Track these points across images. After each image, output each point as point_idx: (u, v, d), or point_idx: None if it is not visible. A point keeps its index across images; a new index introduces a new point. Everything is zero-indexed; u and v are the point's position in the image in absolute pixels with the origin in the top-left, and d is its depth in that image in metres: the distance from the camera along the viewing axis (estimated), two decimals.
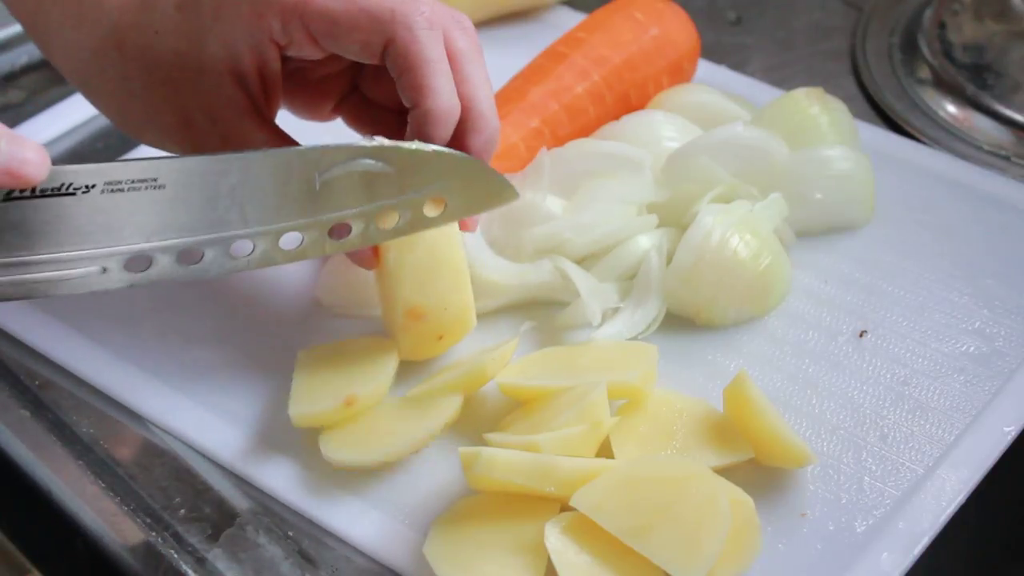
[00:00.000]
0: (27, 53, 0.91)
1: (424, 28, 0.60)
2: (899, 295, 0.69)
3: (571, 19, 0.89)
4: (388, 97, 0.67)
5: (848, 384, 0.64)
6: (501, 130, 0.73)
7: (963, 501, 0.58)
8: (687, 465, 0.56)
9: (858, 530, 0.57)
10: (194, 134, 0.62)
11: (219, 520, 0.60)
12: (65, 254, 0.53)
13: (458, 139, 0.61)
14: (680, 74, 0.80)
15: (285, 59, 0.62)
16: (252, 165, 0.56)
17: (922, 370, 0.65)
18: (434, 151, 0.58)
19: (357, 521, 0.59)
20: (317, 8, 0.60)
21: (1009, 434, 0.61)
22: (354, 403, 0.60)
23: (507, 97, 0.75)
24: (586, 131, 0.75)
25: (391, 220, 0.59)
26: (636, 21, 0.78)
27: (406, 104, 0.61)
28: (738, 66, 0.87)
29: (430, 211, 0.59)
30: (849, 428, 0.62)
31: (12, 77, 0.90)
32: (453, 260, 0.62)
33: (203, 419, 0.64)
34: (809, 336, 0.67)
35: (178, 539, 0.59)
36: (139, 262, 0.55)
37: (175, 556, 0.58)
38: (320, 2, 0.60)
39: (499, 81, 0.77)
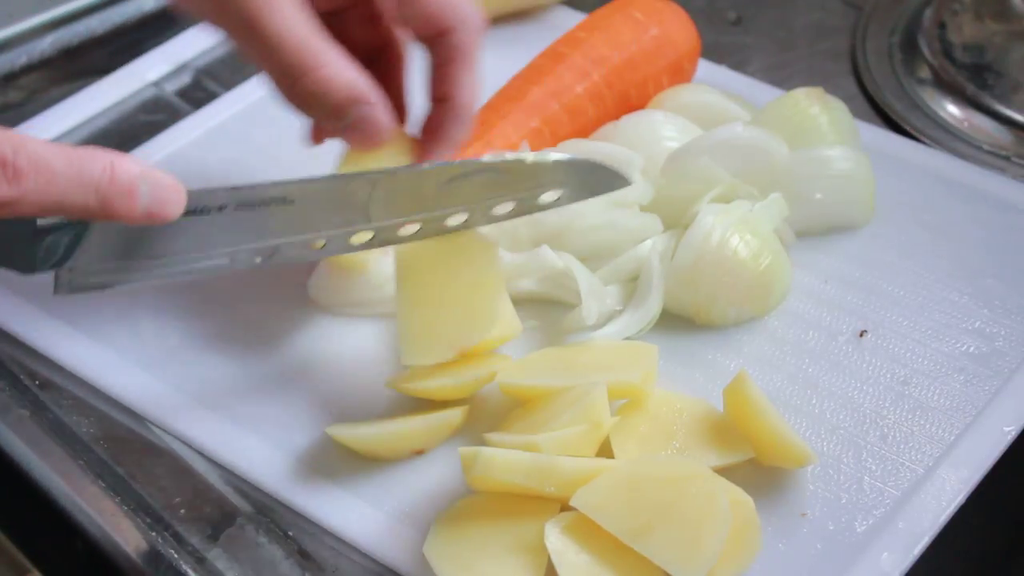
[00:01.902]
0: (27, 53, 0.91)
1: (480, 32, 0.63)
2: (899, 295, 0.69)
3: (571, 19, 0.89)
4: (366, 39, 0.67)
5: (848, 384, 0.64)
6: (502, 130, 0.73)
7: (963, 501, 0.58)
8: (687, 465, 0.56)
9: (858, 530, 0.57)
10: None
11: (219, 520, 0.60)
12: (198, 255, 0.58)
13: (438, 126, 0.64)
14: (680, 74, 0.80)
15: None
16: (379, 183, 0.59)
17: (922, 370, 0.65)
18: (554, 161, 0.61)
19: (357, 521, 0.59)
20: None
21: (1009, 434, 0.61)
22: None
23: (507, 97, 0.75)
24: (586, 131, 0.75)
25: (504, 208, 0.61)
26: (636, 21, 0.78)
27: (437, 93, 0.63)
28: (738, 66, 0.87)
29: (545, 198, 0.62)
30: (849, 428, 0.62)
31: (12, 77, 0.90)
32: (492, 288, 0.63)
33: (203, 418, 0.64)
34: (809, 336, 0.67)
35: (178, 539, 0.59)
36: (266, 252, 0.59)
37: (175, 556, 0.58)
38: None
39: (499, 81, 0.77)
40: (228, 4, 0.59)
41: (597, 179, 0.62)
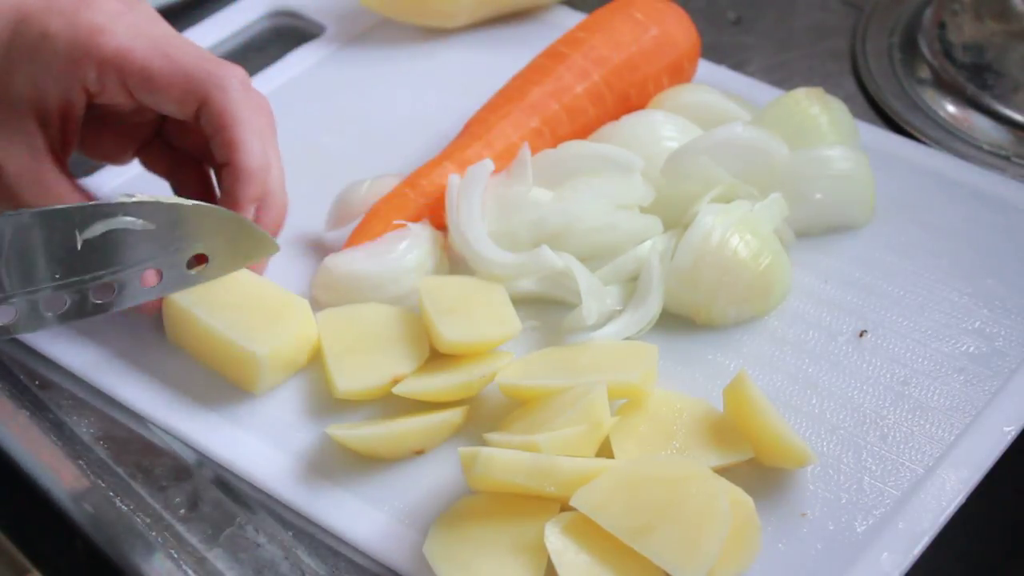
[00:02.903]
0: None
1: (238, 90, 0.63)
2: (899, 295, 0.69)
3: (571, 19, 0.89)
4: (193, 146, 0.70)
5: (848, 384, 0.64)
6: (502, 130, 0.73)
7: (963, 501, 0.58)
8: (687, 465, 0.56)
9: (858, 530, 0.57)
10: None
11: (219, 520, 0.60)
12: None
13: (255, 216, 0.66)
14: (680, 74, 0.80)
15: (90, 105, 0.64)
16: (18, 225, 0.57)
17: (922, 370, 0.65)
18: (193, 205, 0.60)
19: (357, 521, 0.59)
20: (135, 63, 0.62)
21: (1009, 434, 0.61)
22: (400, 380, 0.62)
23: (507, 97, 0.75)
24: (586, 131, 0.76)
25: (151, 278, 0.62)
26: (636, 21, 0.78)
27: (219, 160, 0.64)
28: (738, 66, 0.87)
29: (193, 268, 0.62)
30: (849, 428, 0.62)
31: None
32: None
33: (202, 418, 0.64)
34: (809, 336, 0.67)
35: (178, 539, 0.59)
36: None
37: (175, 556, 0.58)
38: (139, 57, 0.62)
39: (499, 81, 0.77)
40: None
41: (244, 238, 0.63)
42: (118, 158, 0.72)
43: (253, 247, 0.64)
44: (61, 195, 0.63)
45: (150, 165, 0.72)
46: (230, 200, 0.64)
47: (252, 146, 0.63)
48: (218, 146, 0.64)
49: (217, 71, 0.63)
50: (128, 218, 0.59)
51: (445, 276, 0.68)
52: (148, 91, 0.63)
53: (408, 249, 0.68)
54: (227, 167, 0.64)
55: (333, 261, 0.68)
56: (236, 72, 0.64)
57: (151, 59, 0.62)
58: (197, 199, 0.65)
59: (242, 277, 0.65)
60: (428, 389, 0.61)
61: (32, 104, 0.62)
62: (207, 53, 0.65)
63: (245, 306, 0.64)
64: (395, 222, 0.69)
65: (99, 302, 0.60)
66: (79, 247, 0.58)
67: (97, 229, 0.58)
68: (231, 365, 0.64)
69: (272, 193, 0.66)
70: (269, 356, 0.62)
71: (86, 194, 0.64)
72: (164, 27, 0.65)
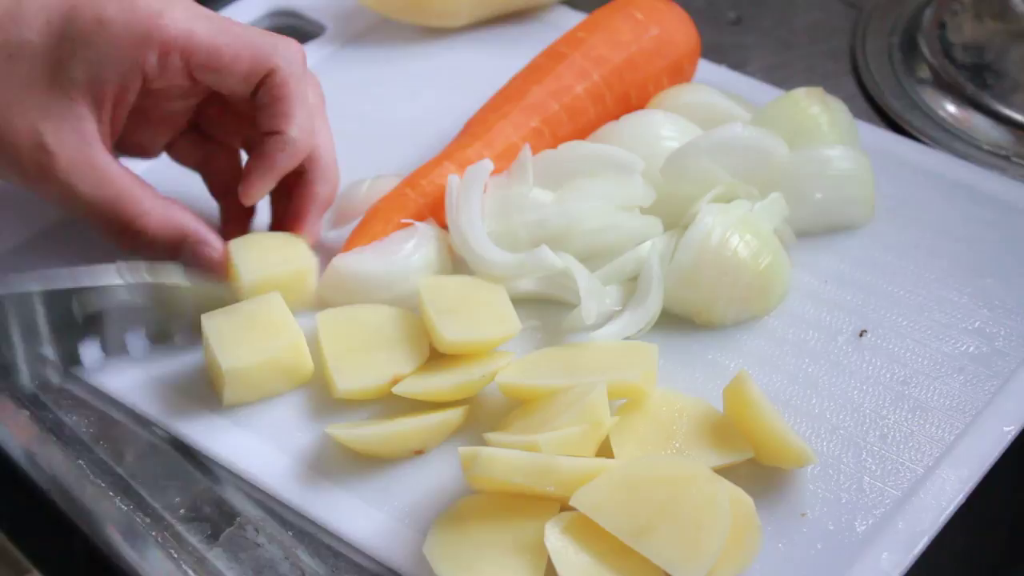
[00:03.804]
0: None
1: (301, 64, 0.65)
2: (899, 295, 0.69)
3: (571, 19, 0.89)
4: (229, 133, 0.71)
5: (848, 384, 0.64)
6: (502, 130, 0.73)
7: (963, 501, 0.58)
8: (687, 465, 0.56)
9: (858, 530, 0.57)
10: (35, 156, 0.62)
11: (219, 520, 0.60)
12: None
13: (306, 187, 0.68)
14: (680, 74, 0.80)
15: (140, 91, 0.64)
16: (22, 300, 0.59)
17: (922, 370, 0.65)
18: (191, 287, 0.63)
19: (357, 521, 0.59)
20: (201, 41, 0.63)
21: (1009, 434, 0.61)
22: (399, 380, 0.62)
23: (507, 97, 0.75)
24: (586, 131, 0.75)
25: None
26: (636, 21, 0.78)
27: (266, 129, 0.65)
28: (738, 66, 0.87)
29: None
30: (849, 428, 0.62)
31: None
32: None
33: (202, 418, 0.64)
34: (809, 336, 0.67)
35: (178, 539, 0.59)
36: None
37: (175, 556, 0.58)
38: (204, 36, 0.63)
39: (499, 81, 0.77)
40: (46, 178, 0.63)
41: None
42: (149, 150, 0.72)
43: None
44: (114, 182, 0.63)
45: (181, 158, 0.73)
46: (267, 164, 0.66)
47: (304, 120, 0.65)
48: (271, 116, 0.65)
49: (283, 43, 0.65)
50: (126, 296, 0.61)
51: (445, 276, 0.68)
52: (214, 69, 0.64)
53: (415, 248, 0.68)
54: (276, 136, 0.65)
55: (341, 261, 0.68)
56: (298, 47, 0.66)
57: (216, 36, 0.63)
58: (226, 189, 0.67)
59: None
60: (428, 389, 0.61)
61: (87, 91, 0.62)
62: (263, 30, 0.66)
63: (246, 319, 0.64)
64: (403, 220, 0.69)
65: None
66: (80, 320, 0.61)
67: (94, 305, 0.60)
68: (212, 370, 0.64)
69: (325, 166, 0.68)
70: (232, 372, 0.62)
71: (138, 180, 0.65)
72: (211, 11, 0.66)
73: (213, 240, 0.66)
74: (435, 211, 0.70)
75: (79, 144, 0.62)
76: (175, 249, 0.65)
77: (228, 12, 0.93)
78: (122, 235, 0.64)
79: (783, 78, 0.86)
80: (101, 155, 0.63)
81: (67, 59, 0.62)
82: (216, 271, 0.66)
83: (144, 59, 0.62)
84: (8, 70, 0.61)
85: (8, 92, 0.62)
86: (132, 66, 0.62)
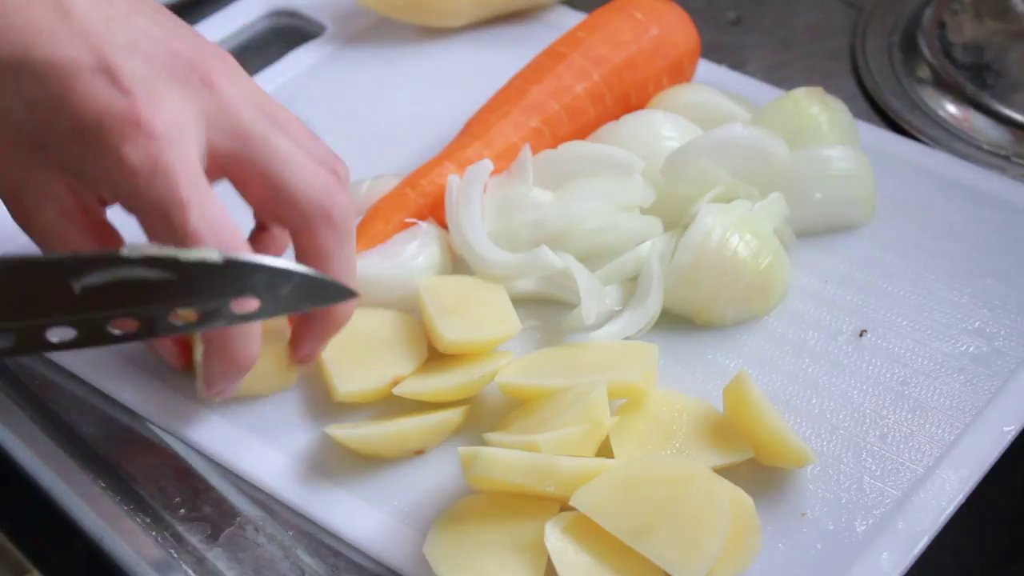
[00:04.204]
0: None
1: (344, 219, 0.59)
2: (899, 295, 0.69)
3: (571, 19, 0.89)
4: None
5: (848, 384, 0.64)
6: (502, 129, 0.73)
7: (963, 501, 0.58)
8: (687, 465, 0.56)
9: (858, 530, 0.57)
10: (11, 209, 0.58)
11: (219, 520, 0.60)
12: None
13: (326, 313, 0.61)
14: (680, 74, 0.80)
15: None
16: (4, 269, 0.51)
17: (922, 370, 0.65)
18: (226, 260, 0.51)
19: (357, 521, 0.59)
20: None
21: (1009, 434, 0.61)
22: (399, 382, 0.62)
23: (507, 97, 0.75)
24: (586, 131, 0.75)
25: (186, 316, 0.53)
26: (636, 21, 0.78)
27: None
28: (738, 66, 0.87)
29: (240, 308, 0.53)
30: (849, 428, 0.62)
31: None
32: None
33: (202, 418, 0.64)
34: (809, 336, 0.67)
35: (178, 539, 0.59)
36: None
37: (175, 556, 0.58)
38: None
39: (499, 81, 0.77)
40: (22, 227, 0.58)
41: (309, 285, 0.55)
42: None
43: (317, 295, 0.56)
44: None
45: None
46: (331, 324, 0.61)
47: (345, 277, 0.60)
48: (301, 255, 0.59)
49: (322, 198, 0.58)
50: (130, 268, 0.51)
51: (445, 276, 0.68)
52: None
53: (420, 249, 0.68)
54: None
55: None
56: (346, 200, 0.59)
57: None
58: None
59: None
60: (428, 389, 0.61)
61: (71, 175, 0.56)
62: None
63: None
64: (406, 220, 0.69)
65: (118, 333, 0.54)
66: (78, 292, 0.52)
67: (95, 278, 0.52)
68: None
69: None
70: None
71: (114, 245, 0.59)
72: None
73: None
74: (435, 211, 0.70)
75: (55, 215, 0.57)
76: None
77: (228, 12, 0.93)
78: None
79: (783, 78, 0.86)
80: (75, 231, 0.57)
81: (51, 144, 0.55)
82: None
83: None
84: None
85: None
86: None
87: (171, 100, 0.54)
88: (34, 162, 0.55)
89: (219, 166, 0.57)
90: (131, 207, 0.55)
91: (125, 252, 0.50)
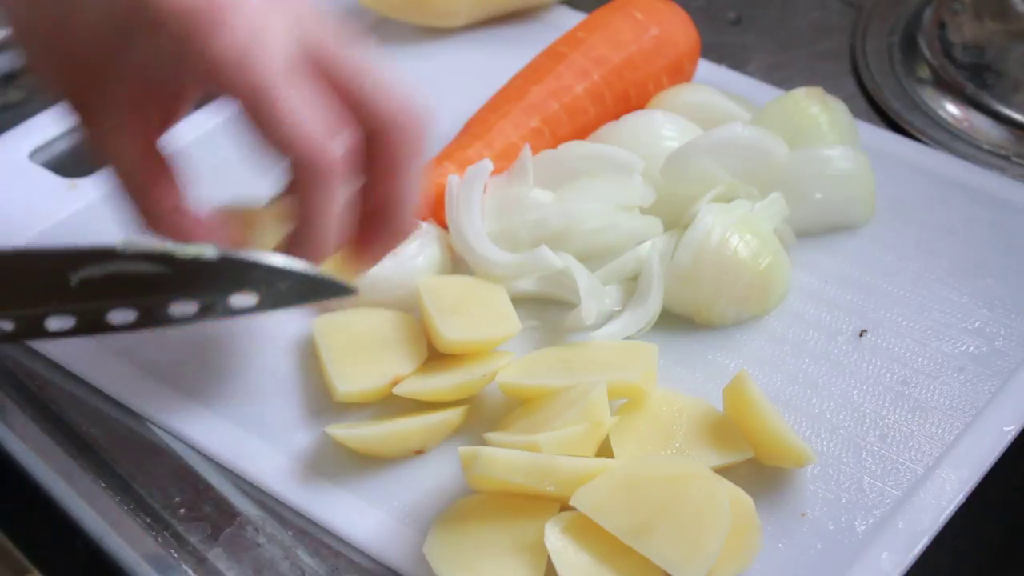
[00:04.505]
0: None
1: (418, 130, 0.58)
2: (899, 295, 0.69)
3: (571, 19, 0.88)
4: None
5: (848, 384, 0.64)
6: (502, 129, 0.73)
7: (963, 501, 0.58)
8: (687, 465, 0.56)
9: (858, 530, 0.57)
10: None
11: (219, 520, 0.60)
12: None
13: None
14: (680, 74, 0.80)
15: None
16: None
17: (922, 370, 0.65)
18: (221, 257, 0.51)
19: (357, 521, 0.59)
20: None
21: (1009, 434, 0.61)
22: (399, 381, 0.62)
23: (507, 97, 0.75)
24: (586, 131, 0.76)
25: (185, 308, 0.53)
26: (636, 21, 0.78)
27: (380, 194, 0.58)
28: (738, 66, 0.87)
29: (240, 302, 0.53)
30: (849, 428, 0.62)
31: (12, 77, 0.90)
32: None
33: (202, 418, 0.64)
34: (809, 336, 0.67)
35: (178, 539, 0.59)
36: None
37: (175, 556, 0.58)
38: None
39: (499, 81, 0.77)
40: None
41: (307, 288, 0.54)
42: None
43: (316, 291, 0.55)
44: (138, 174, 0.56)
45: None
46: (392, 237, 0.60)
47: (407, 192, 0.58)
48: (375, 178, 0.58)
49: (400, 106, 0.58)
50: (126, 263, 0.51)
51: (445, 276, 0.68)
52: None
53: (420, 249, 0.68)
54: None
55: (338, 261, 0.68)
56: (420, 110, 0.59)
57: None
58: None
59: None
60: (428, 389, 0.61)
61: (146, 87, 0.55)
62: None
63: None
64: None
65: (117, 323, 0.54)
66: (75, 284, 0.51)
67: (92, 271, 0.51)
68: None
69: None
70: None
71: (166, 177, 0.57)
72: None
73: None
74: (435, 211, 0.70)
75: (116, 125, 0.56)
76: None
77: None
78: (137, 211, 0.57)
79: (783, 78, 0.86)
80: (132, 141, 0.56)
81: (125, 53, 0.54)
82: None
83: None
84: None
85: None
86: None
87: (262, 4, 0.53)
88: (105, 66, 0.54)
89: (302, 69, 0.55)
90: (221, 92, 0.54)
91: (121, 247, 0.50)
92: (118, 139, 0.56)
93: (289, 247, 0.56)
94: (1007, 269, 0.70)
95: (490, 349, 0.64)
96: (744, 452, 0.58)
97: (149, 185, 0.56)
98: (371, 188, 0.57)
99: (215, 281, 0.52)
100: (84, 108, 0.57)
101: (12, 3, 0.57)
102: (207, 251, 0.51)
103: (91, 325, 0.53)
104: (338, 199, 0.55)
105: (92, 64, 0.55)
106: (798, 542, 0.57)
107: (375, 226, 0.59)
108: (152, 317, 0.53)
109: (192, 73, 0.54)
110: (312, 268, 0.53)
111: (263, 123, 0.53)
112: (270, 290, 0.53)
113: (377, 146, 0.57)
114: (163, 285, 0.52)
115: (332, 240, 0.56)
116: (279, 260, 0.52)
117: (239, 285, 0.52)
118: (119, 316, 0.53)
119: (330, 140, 0.53)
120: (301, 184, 0.54)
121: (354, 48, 0.57)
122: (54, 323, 0.53)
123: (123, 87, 0.55)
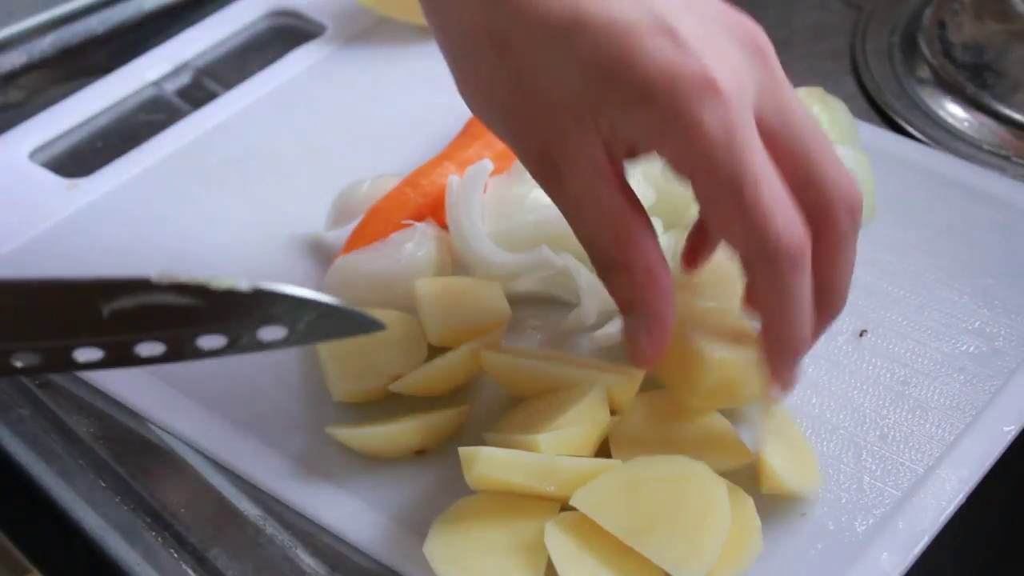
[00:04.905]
0: (27, 53, 0.91)
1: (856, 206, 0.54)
2: (899, 295, 0.69)
3: None
4: None
5: (848, 384, 0.64)
6: None
7: (963, 500, 0.58)
8: (687, 465, 0.56)
9: (858, 530, 0.57)
10: (542, 169, 0.55)
11: (219, 520, 0.60)
12: None
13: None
14: None
15: None
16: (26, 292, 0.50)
17: (922, 370, 0.65)
18: (253, 289, 0.50)
19: (357, 521, 0.59)
20: None
21: (1009, 434, 0.61)
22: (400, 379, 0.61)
23: None
24: None
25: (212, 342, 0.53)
26: None
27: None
28: None
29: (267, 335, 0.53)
30: (849, 428, 0.62)
31: (12, 77, 0.90)
32: None
33: (202, 418, 0.64)
34: None
35: (178, 539, 0.59)
36: None
37: (175, 556, 0.58)
38: None
39: None
40: (548, 191, 0.55)
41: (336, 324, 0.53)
42: None
43: (344, 326, 0.54)
44: (613, 225, 0.54)
45: None
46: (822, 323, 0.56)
47: (846, 271, 0.56)
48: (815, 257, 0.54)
49: (844, 183, 0.53)
50: (159, 295, 0.51)
51: (443, 277, 0.68)
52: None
53: (416, 248, 0.68)
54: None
55: (343, 262, 0.68)
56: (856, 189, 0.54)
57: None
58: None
59: None
60: (423, 379, 0.61)
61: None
62: None
63: None
64: (403, 221, 0.69)
65: (145, 356, 0.53)
66: (106, 315, 0.51)
67: (124, 302, 0.51)
68: None
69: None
70: None
71: (644, 228, 0.55)
72: None
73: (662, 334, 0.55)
74: (435, 211, 0.70)
75: (591, 176, 0.53)
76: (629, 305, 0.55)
77: (228, 12, 0.93)
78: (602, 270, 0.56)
79: None
80: (609, 191, 0.54)
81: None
82: (636, 359, 0.56)
83: None
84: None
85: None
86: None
87: (733, 60, 0.50)
88: (575, 125, 0.52)
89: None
90: (692, 174, 0.51)
91: (155, 278, 0.50)
92: (591, 188, 0.53)
93: (768, 350, 0.54)
94: (1007, 269, 0.70)
95: (481, 335, 0.64)
96: (744, 455, 0.58)
97: (636, 234, 0.54)
98: (814, 268, 0.53)
99: (246, 314, 0.51)
100: (551, 165, 0.54)
101: (470, 93, 0.57)
102: (240, 283, 0.51)
103: (119, 358, 0.52)
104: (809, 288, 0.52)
105: (559, 126, 0.52)
106: (798, 542, 0.57)
107: (769, 342, 0.55)
108: (181, 350, 0.52)
109: (670, 142, 0.51)
110: (344, 302, 0.53)
111: (735, 208, 0.50)
112: (299, 324, 0.53)
113: (820, 222, 0.53)
114: (195, 317, 0.51)
115: (810, 332, 0.54)
116: (307, 293, 0.52)
117: (267, 319, 0.52)
118: (147, 348, 0.52)
119: (801, 228, 0.50)
120: (770, 276, 0.51)
121: (801, 113, 0.53)
122: (82, 355, 0.52)
123: (592, 141, 0.52)
